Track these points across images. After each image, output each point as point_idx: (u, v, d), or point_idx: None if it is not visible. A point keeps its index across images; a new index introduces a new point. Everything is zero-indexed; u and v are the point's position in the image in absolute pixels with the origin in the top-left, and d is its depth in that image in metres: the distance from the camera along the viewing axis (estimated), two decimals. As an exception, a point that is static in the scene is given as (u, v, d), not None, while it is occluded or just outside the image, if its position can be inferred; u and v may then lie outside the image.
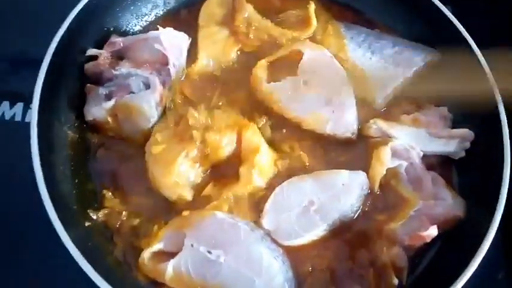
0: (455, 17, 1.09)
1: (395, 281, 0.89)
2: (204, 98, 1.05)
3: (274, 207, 0.94)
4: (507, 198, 0.92)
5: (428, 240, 0.91)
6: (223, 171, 0.97)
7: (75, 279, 0.78)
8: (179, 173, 0.91)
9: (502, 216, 0.88)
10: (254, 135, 0.97)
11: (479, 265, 0.84)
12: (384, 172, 0.98)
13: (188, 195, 0.93)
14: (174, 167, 0.90)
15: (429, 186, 0.98)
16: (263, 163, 0.95)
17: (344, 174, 0.98)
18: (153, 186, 0.93)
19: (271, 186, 0.96)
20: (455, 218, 0.95)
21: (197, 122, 0.95)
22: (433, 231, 0.91)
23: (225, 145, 0.95)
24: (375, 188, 0.98)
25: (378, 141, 1.02)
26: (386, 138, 1.02)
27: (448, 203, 0.96)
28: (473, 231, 0.90)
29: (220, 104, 1.05)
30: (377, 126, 1.03)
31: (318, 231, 0.93)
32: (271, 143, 1.01)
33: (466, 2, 1.33)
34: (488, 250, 0.86)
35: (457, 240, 0.94)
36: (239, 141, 0.96)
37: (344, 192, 0.96)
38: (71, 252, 0.78)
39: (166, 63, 1.00)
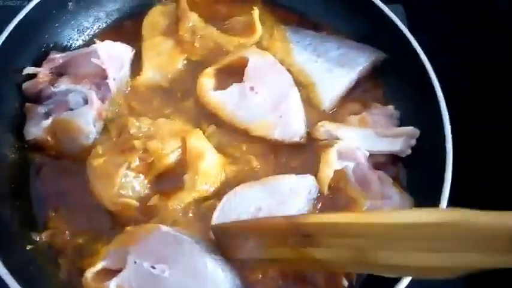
0: (407, 15, 1.11)
1: (345, 283, 0.90)
2: (151, 109, 1.04)
3: (222, 217, 0.93)
4: (456, 194, 0.93)
5: None
6: (171, 181, 0.95)
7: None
8: (122, 185, 0.90)
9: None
10: (199, 141, 0.96)
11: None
12: (332, 174, 0.99)
13: (133, 206, 0.91)
14: (116, 179, 0.89)
15: (376, 186, 0.99)
16: (208, 169, 0.94)
17: (292, 179, 0.98)
18: (97, 200, 0.92)
19: (219, 194, 0.95)
20: None
21: (139, 131, 0.95)
22: None
23: (169, 153, 0.94)
24: (324, 190, 0.98)
25: (325, 144, 1.02)
26: (332, 140, 1.02)
27: (395, 202, 0.97)
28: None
29: (167, 113, 1.04)
30: (325, 128, 1.03)
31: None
32: (220, 149, 1.00)
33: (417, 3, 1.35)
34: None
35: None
36: (184, 148, 0.95)
37: (291, 196, 0.95)
38: (7, 282, 0.76)
39: (106, 77, 0.98)
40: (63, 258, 0.89)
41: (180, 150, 0.95)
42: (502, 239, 0.58)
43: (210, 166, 0.95)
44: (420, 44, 1.05)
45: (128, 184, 0.91)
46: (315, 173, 0.99)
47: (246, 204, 0.94)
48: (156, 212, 0.92)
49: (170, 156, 0.94)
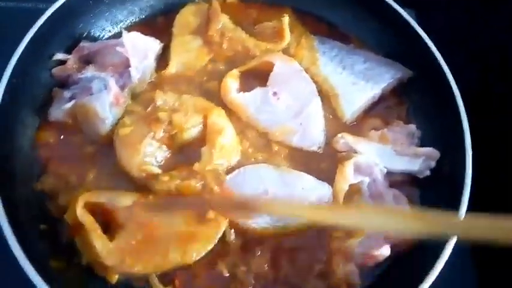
0: (419, 20, 1.10)
1: None
2: (177, 89, 1.06)
3: (231, 183, 0.96)
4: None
5: (381, 260, 0.91)
6: (191, 154, 0.97)
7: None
8: (146, 153, 0.93)
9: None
10: (219, 118, 0.99)
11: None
12: (347, 187, 0.98)
13: (156, 173, 0.94)
14: (141, 148, 0.92)
15: (390, 204, 0.97)
16: (225, 144, 0.96)
17: (308, 180, 0.98)
18: (121, 167, 0.95)
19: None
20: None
21: (165, 104, 0.98)
22: (385, 251, 0.90)
23: (191, 127, 0.97)
24: (339, 202, 0.97)
25: (343, 156, 1.02)
26: (350, 153, 1.01)
27: None
28: (428, 253, 0.88)
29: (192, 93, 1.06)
30: (344, 140, 1.02)
31: (261, 220, 0.93)
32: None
33: (429, 5, 1.35)
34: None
35: (410, 258, 0.93)
36: (205, 124, 0.98)
37: (300, 195, 0.96)
38: (14, 252, 0.79)
39: (128, 66, 1.01)
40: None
41: (201, 125, 0.98)
42: None
43: (227, 142, 0.97)
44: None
45: (152, 153, 0.94)
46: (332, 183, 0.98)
47: (257, 182, 0.97)
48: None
49: (192, 130, 0.97)
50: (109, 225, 0.90)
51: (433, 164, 1.01)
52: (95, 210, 0.90)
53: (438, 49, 1.05)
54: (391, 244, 0.91)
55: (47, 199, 0.95)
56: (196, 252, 0.88)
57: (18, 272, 0.77)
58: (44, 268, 0.80)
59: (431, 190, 1.01)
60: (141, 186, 0.94)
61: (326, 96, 1.10)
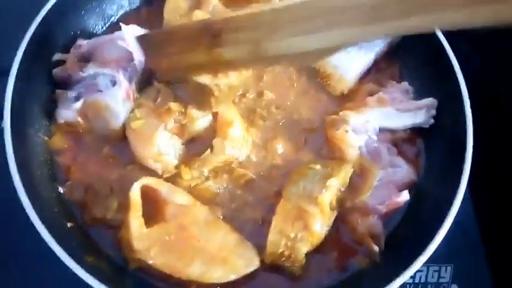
0: None
1: (376, 248, 0.94)
2: None
3: None
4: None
5: (401, 205, 0.97)
6: (201, 145, 1.00)
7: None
8: (160, 145, 0.96)
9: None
10: (229, 110, 1.01)
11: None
12: (358, 152, 1.02)
13: (172, 163, 0.97)
14: (154, 139, 0.95)
15: (386, 156, 1.03)
16: (236, 136, 0.99)
17: None
18: (137, 160, 0.97)
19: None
20: (411, 182, 1.02)
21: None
22: (405, 196, 0.97)
23: (201, 117, 0.99)
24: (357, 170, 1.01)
25: (334, 119, 1.05)
26: (343, 118, 1.03)
27: (404, 169, 1.02)
28: (437, 203, 0.94)
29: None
30: (348, 119, 1.03)
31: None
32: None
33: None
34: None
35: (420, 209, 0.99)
36: (215, 115, 1.01)
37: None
38: (56, 252, 0.80)
39: (132, 59, 1.01)
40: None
41: (211, 117, 1.01)
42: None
43: (237, 133, 1.00)
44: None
45: (165, 144, 0.96)
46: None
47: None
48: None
49: (202, 120, 1.00)
50: (151, 215, 0.91)
51: (434, 112, 1.07)
52: (148, 195, 0.90)
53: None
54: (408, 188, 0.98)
55: (75, 208, 0.96)
56: (217, 277, 0.88)
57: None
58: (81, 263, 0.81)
59: (435, 143, 1.06)
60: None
61: (322, 69, 1.12)
